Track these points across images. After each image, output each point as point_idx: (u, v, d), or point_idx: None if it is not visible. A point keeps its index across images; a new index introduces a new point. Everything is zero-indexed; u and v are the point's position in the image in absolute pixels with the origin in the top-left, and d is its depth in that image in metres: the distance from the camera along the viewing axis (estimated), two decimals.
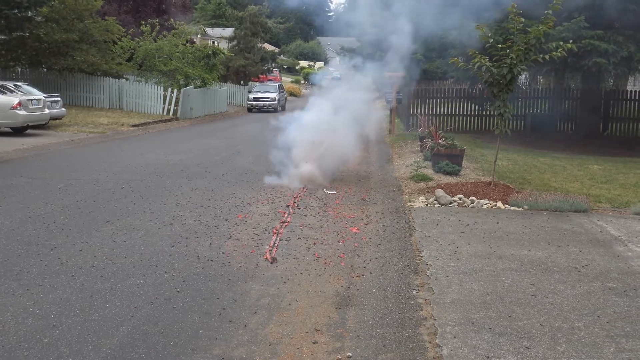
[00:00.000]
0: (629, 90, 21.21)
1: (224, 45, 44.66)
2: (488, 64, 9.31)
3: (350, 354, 4.21)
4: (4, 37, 24.15)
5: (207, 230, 7.49)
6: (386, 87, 21.02)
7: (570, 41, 9.64)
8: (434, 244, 6.65)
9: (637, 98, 20.22)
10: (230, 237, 7.24)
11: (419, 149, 14.76)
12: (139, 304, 5.02)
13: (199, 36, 42.88)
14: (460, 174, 11.18)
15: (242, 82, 43.37)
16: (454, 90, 22.01)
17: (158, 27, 28.83)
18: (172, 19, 31.24)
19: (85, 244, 6.74)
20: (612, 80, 23.15)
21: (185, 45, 29.69)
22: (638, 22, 15.12)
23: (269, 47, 51.82)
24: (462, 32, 15.09)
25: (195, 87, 28.74)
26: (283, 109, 36.33)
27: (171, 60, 28.11)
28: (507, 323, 4.48)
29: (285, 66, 72.47)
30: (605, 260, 6.15)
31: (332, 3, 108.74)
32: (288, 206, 9.06)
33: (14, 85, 18.84)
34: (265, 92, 35.81)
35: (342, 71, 13.30)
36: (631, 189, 10.31)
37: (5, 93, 17.58)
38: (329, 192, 10.30)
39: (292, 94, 48.08)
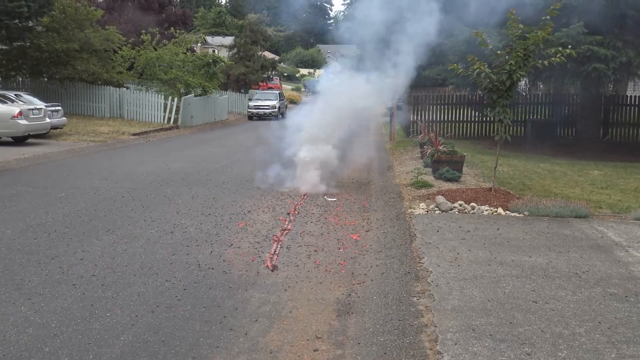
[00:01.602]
0: (628, 95, 21.21)
1: (224, 54, 44.78)
2: (487, 70, 9.33)
3: None
4: (4, 47, 24.25)
5: (208, 238, 7.50)
6: (386, 94, 20.99)
7: (569, 47, 9.66)
8: (434, 251, 6.65)
9: (637, 103, 20.21)
10: (231, 245, 7.25)
11: (419, 155, 14.77)
12: (139, 312, 5.02)
13: (199, 44, 43.00)
14: (460, 181, 11.19)
15: (242, 90, 43.46)
16: (454, 96, 22.03)
17: (158, 36, 28.93)
18: (172, 28, 31.34)
19: (86, 253, 6.75)
20: (611, 86, 23.14)
21: (185, 53, 29.78)
22: (636, 27, 15.16)
23: (269, 55, 51.93)
24: (461, 39, 15.13)
25: (195, 96, 28.82)
26: (283, 116, 36.40)
27: (171, 68, 28.20)
28: (508, 329, 4.48)
29: (285, 74, 72.60)
30: (606, 266, 6.15)
31: (332, 11, 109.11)
32: (289, 214, 9.07)
33: (14, 94, 18.89)
34: (266, 99, 35.90)
35: (341, 77, 13.29)
36: (632, 194, 10.31)
37: (6, 103, 17.62)
38: (329, 199, 10.30)
39: (292, 102, 48.14)
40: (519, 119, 20.81)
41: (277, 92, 39.01)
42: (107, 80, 26.89)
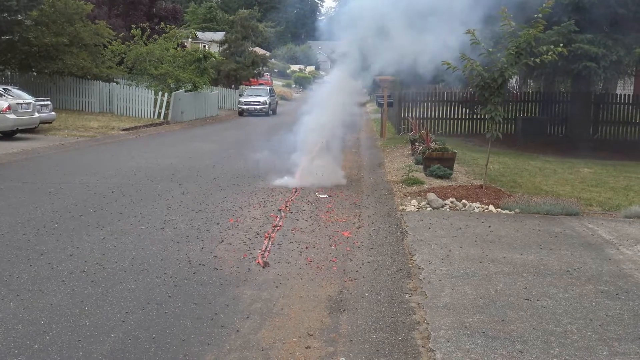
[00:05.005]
0: (618, 93, 21.34)
1: (214, 49, 44.59)
2: (479, 68, 9.33)
3: (344, 359, 4.19)
4: None
5: (199, 235, 7.46)
6: (377, 91, 20.99)
7: (561, 45, 9.68)
8: (426, 248, 6.64)
9: (626, 101, 20.36)
10: (222, 241, 7.21)
11: (410, 152, 14.76)
12: (130, 309, 4.98)
13: (189, 40, 42.71)
14: (451, 178, 11.19)
15: (233, 85, 43.31)
16: (445, 93, 22.08)
17: (149, 30, 28.74)
18: (162, 23, 31.15)
19: (76, 249, 6.69)
20: (601, 84, 23.29)
21: (176, 49, 29.62)
22: (627, 26, 15.23)
23: (260, 50, 51.76)
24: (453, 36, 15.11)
25: (186, 91, 28.67)
26: (274, 112, 36.31)
27: (162, 64, 28.03)
28: (500, 327, 4.48)
29: (276, 70, 72.45)
30: (597, 264, 6.17)
31: (322, 7, 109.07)
32: (280, 210, 9.04)
33: (3, 89, 18.67)
34: (257, 96, 35.81)
35: (331, 75, 13.25)
36: (621, 192, 10.36)
37: None
38: (320, 196, 10.28)
39: (283, 98, 48.07)
40: (510, 116, 20.88)
41: (268, 88, 38.92)
42: (96, 75, 26.65)
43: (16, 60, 25.24)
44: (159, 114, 26.42)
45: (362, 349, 4.34)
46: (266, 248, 6.94)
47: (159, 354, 4.20)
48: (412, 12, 11.13)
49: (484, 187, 9.87)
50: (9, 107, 16.88)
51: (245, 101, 35.49)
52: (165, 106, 26.58)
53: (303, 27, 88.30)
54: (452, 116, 21.65)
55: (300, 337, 4.56)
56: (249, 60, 44.56)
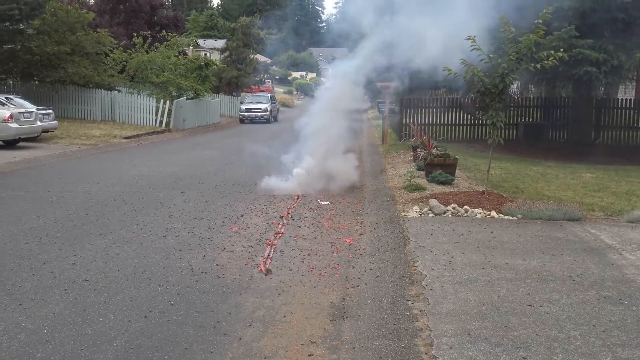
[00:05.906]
0: (619, 98, 21.33)
1: (216, 57, 44.70)
2: (480, 74, 9.34)
3: None
4: None
5: (201, 242, 7.46)
6: (378, 97, 21.02)
7: (562, 50, 9.69)
8: (428, 254, 6.64)
9: (627, 106, 20.33)
10: (224, 249, 7.21)
11: (412, 158, 14.74)
12: (132, 317, 4.98)
13: (190, 47, 42.83)
14: (453, 184, 11.18)
15: (234, 93, 43.39)
16: (446, 99, 22.08)
17: (150, 39, 28.84)
18: (164, 31, 31.25)
19: (78, 258, 6.69)
20: (603, 89, 23.27)
21: (177, 56, 29.70)
22: (628, 31, 15.24)
23: (261, 58, 51.87)
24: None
25: (187, 99, 28.73)
26: (275, 119, 36.35)
27: (163, 71, 28.09)
28: (503, 333, 4.47)
29: (277, 77, 72.55)
30: (600, 269, 6.15)
31: (323, 14, 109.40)
32: (282, 217, 9.04)
33: (5, 98, 18.74)
34: (258, 103, 35.87)
35: (332, 81, 13.30)
36: (624, 197, 10.34)
37: None
38: (322, 203, 10.28)
39: (284, 105, 48.14)
40: (512, 122, 20.88)
41: (269, 95, 38.98)
42: (98, 84, 26.74)
43: (18, 69, 25.33)
44: (161, 121, 26.48)
45: (364, 356, 4.33)
46: (268, 255, 6.94)
47: None
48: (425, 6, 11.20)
49: (485, 192, 9.86)
50: (11, 116, 16.94)
51: (246, 108, 35.55)
52: (167, 114, 26.64)
53: (304, 34, 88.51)
54: (453, 122, 21.63)
55: (302, 344, 4.56)
56: (250, 67, 44.67)
